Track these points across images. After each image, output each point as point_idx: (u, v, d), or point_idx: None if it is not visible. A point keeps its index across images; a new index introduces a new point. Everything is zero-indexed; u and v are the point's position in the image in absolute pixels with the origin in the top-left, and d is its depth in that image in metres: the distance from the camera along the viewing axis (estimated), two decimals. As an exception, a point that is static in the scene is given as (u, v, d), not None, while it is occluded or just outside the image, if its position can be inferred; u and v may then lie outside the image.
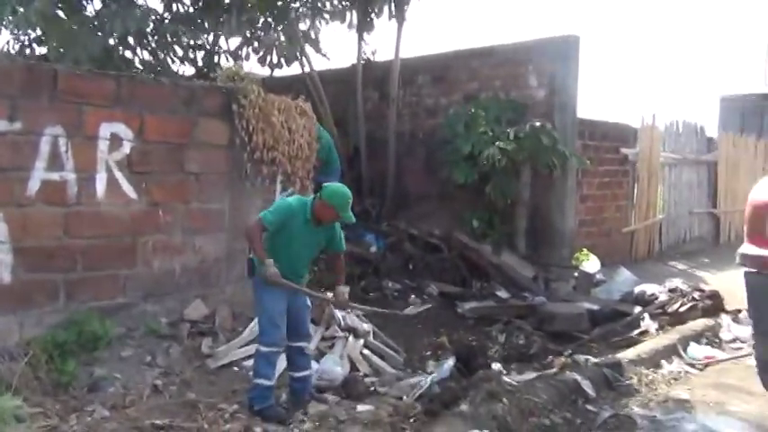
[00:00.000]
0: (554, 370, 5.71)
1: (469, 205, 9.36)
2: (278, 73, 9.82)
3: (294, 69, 9.90)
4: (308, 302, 4.90)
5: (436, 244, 9.26)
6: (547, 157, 8.80)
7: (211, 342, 5.57)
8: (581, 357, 6.31)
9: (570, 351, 7.15)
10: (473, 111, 9.33)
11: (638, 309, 7.83)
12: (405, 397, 4.96)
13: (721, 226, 13.41)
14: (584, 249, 9.74)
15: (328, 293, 5.19)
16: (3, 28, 8.83)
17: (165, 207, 5.59)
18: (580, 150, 9.43)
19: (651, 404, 5.23)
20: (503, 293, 8.71)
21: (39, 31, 8.62)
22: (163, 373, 5.05)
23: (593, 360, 5.98)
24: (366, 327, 6.41)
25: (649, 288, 8.22)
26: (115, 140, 5.23)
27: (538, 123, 8.80)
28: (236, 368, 5.35)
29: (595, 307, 8.11)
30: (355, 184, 10.20)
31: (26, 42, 9.02)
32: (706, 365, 6.27)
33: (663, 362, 6.20)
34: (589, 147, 9.76)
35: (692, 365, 6.23)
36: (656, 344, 6.49)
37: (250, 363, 5.34)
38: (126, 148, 5.29)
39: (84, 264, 5.16)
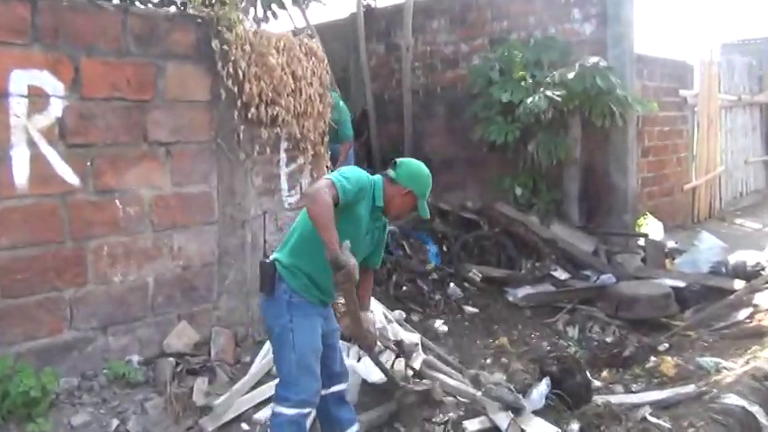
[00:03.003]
0: (695, 389, 4.03)
1: (507, 170, 7.84)
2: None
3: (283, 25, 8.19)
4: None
5: (473, 219, 7.59)
6: (603, 105, 7.13)
7: (207, 384, 3.87)
8: (708, 361, 4.67)
9: (667, 346, 5.57)
10: (506, 53, 7.60)
11: (740, 284, 6.20)
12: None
13: (776, 176, 11.86)
14: (647, 213, 8.11)
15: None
16: None
17: (125, 195, 3.83)
18: (639, 93, 7.73)
19: None
20: (560, 274, 7.12)
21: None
22: (137, 445, 3.36)
23: (741, 369, 4.32)
24: (414, 338, 4.76)
25: (750, 256, 6.60)
26: (37, 97, 3.46)
27: (591, 61, 7.07)
28: (245, 425, 3.65)
29: (681, 284, 6.53)
30: (364, 153, 8.60)
31: None
32: None
33: (823, 362, 4.57)
34: (648, 88, 8.08)
35: None
36: (802, 335, 4.82)
37: (265, 415, 3.66)
38: (55, 108, 3.52)
39: (4, 287, 3.42)
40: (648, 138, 8.19)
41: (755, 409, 3.59)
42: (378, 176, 3.02)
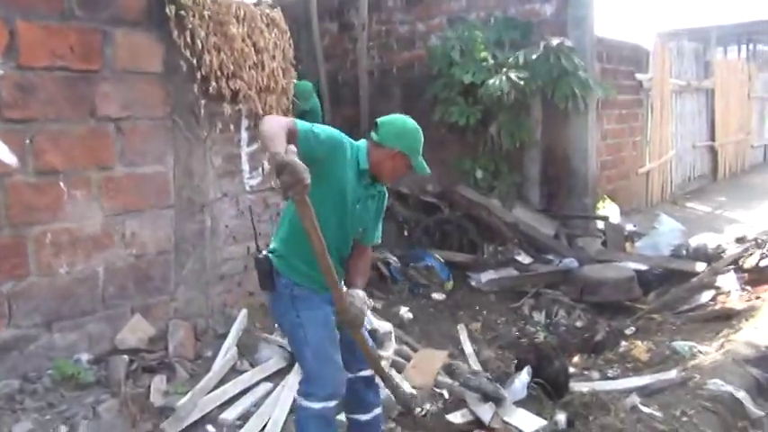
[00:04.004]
0: (678, 374, 3.93)
1: (467, 152, 7.66)
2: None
3: None
4: None
5: (433, 203, 7.39)
6: (566, 87, 7.02)
7: (165, 383, 3.53)
8: (683, 345, 4.61)
9: (634, 329, 5.53)
10: (467, 33, 7.40)
11: (701, 266, 6.21)
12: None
13: (719, 159, 12.10)
14: (605, 196, 8.09)
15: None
16: None
17: (70, 176, 3.44)
18: (599, 76, 7.66)
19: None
20: (523, 258, 7.01)
21: None
22: (90, 455, 3.00)
23: (717, 353, 4.25)
24: (387, 326, 4.54)
25: (711, 239, 6.62)
26: (-34, 65, 3.03)
27: (555, 42, 6.94)
28: (210, 428, 3.33)
29: (643, 267, 6.52)
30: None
31: None
32: None
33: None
34: (607, 71, 8.02)
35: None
36: (770, 316, 4.81)
37: (232, 415, 3.36)
38: (-13, 78, 3.09)
39: (-69, 282, 3.01)
40: (607, 121, 8.16)
41: (742, 395, 3.51)
42: (362, 142, 2.74)
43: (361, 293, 2.73)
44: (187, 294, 4.02)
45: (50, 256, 3.38)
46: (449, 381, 4.05)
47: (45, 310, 3.39)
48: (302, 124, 2.47)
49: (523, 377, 3.89)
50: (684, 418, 3.21)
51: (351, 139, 2.69)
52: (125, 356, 3.59)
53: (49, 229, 3.37)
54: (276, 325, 3.88)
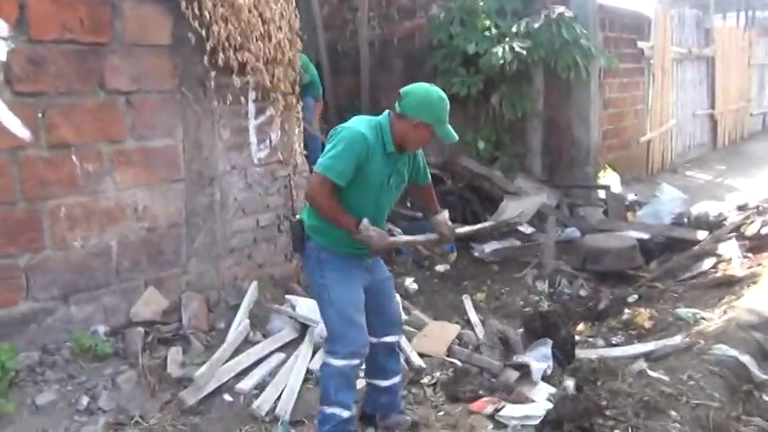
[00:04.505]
0: (682, 340, 4.00)
1: (469, 123, 7.63)
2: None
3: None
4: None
5: (436, 174, 7.37)
6: (568, 56, 7.00)
7: (181, 354, 3.59)
8: (686, 312, 4.68)
9: (637, 297, 5.60)
10: (467, 2, 7.34)
11: (703, 234, 6.27)
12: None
13: (719, 128, 12.11)
14: (606, 166, 8.12)
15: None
16: None
17: (82, 150, 3.44)
18: (601, 44, 7.63)
19: None
20: (525, 228, 7.01)
21: None
22: (112, 424, 3.06)
23: (720, 319, 4.32)
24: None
25: (712, 207, 6.67)
26: (-24, 38, 3.02)
27: (557, 11, 6.90)
28: (227, 396, 3.39)
29: (645, 236, 6.57)
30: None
31: None
32: None
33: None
34: (609, 39, 8.00)
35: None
36: (773, 283, 4.86)
37: (248, 385, 3.42)
38: (-1, 51, 3.08)
39: (-51, 256, 3.03)
40: (609, 90, 8.15)
41: (747, 360, 3.59)
42: (384, 115, 2.78)
43: (442, 215, 3.01)
44: (199, 267, 4.05)
45: (65, 230, 3.40)
46: (464, 350, 4.08)
47: (61, 284, 3.42)
48: (329, 171, 2.68)
49: (547, 348, 3.86)
50: (691, 382, 3.28)
51: (373, 122, 2.77)
52: (140, 329, 3.63)
53: (63, 203, 3.38)
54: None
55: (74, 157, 3.40)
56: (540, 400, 3.35)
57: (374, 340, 2.97)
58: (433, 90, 2.77)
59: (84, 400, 3.14)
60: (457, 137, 2.81)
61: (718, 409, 3.08)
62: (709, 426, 2.96)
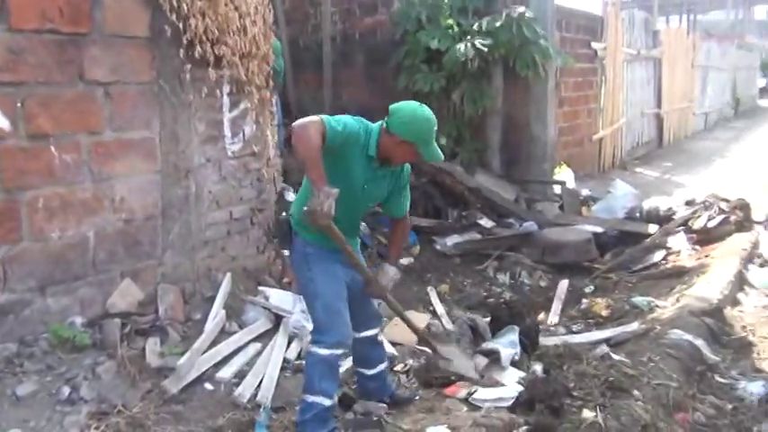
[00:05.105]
0: (639, 326, 4.24)
1: (431, 119, 7.64)
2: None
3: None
4: None
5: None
6: (527, 55, 7.22)
7: (159, 345, 3.62)
8: (642, 300, 4.94)
9: (593, 288, 5.87)
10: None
11: (653, 227, 6.59)
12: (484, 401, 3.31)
13: (665, 126, 12.63)
14: (562, 162, 8.40)
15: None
16: None
17: (60, 141, 3.43)
18: (558, 44, 7.90)
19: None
20: (485, 222, 7.21)
21: None
22: (95, 413, 3.08)
23: (673, 306, 4.59)
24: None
25: (662, 202, 7.00)
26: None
27: (518, 11, 7.11)
28: (208, 385, 3.45)
29: (599, 229, 6.84)
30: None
31: None
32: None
33: (740, 296, 4.94)
34: (566, 40, 8.28)
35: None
36: (720, 274, 5.16)
37: (228, 373, 3.49)
38: (-22, 40, 3.05)
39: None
40: (564, 88, 8.42)
41: (700, 343, 3.84)
42: (377, 125, 2.88)
43: (390, 271, 3.08)
44: (174, 259, 4.07)
45: (43, 221, 3.39)
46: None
47: (39, 275, 3.40)
48: (329, 121, 2.69)
49: (514, 334, 4.02)
50: (651, 364, 3.50)
51: (368, 124, 2.87)
52: (117, 320, 3.64)
53: (41, 193, 3.37)
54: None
55: (52, 148, 3.38)
56: (510, 384, 3.51)
57: (356, 335, 3.11)
58: (420, 110, 2.84)
59: (66, 391, 3.14)
60: (442, 156, 2.87)
61: (677, 389, 3.30)
62: (669, 404, 3.18)
